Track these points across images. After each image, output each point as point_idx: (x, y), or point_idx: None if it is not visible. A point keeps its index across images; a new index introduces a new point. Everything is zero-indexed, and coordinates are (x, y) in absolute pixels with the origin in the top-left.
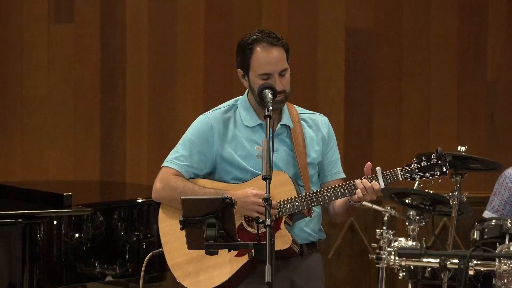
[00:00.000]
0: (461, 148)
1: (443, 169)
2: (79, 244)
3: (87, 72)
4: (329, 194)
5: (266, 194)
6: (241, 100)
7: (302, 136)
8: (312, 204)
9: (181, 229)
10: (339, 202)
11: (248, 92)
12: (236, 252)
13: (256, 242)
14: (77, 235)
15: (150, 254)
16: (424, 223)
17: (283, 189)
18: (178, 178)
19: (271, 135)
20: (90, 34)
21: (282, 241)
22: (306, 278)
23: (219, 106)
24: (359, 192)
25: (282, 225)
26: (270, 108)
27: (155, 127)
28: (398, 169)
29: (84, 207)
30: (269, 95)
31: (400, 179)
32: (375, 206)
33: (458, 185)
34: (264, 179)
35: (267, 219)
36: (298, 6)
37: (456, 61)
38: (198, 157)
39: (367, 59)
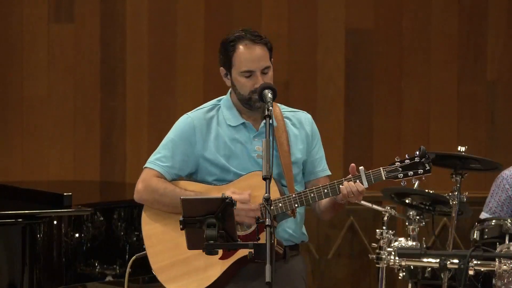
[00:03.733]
0: (461, 148)
1: (426, 167)
2: (79, 244)
3: (87, 72)
4: (312, 194)
5: (266, 194)
6: (224, 100)
7: (286, 134)
8: (296, 205)
9: (181, 229)
10: (324, 200)
11: (230, 92)
12: (220, 255)
13: (256, 242)
14: (77, 235)
15: (134, 257)
16: (424, 223)
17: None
18: (159, 180)
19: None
20: (90, 34)
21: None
22: (288, 281)
23: (202, 106)
24: (343, 190)
25: (263, 234)
26: (270, 108)
27: (155, 127)
28: (381, 168)
29: (84, 207)
30: (269, 95)
31: (384, 178)
32: (375, 206)
33: (458, 185)
34: (264, 179)
35: (267, 219)
36: (298, 6)
37: (456, 61)
38: (180, 158)
39: (367, 59)
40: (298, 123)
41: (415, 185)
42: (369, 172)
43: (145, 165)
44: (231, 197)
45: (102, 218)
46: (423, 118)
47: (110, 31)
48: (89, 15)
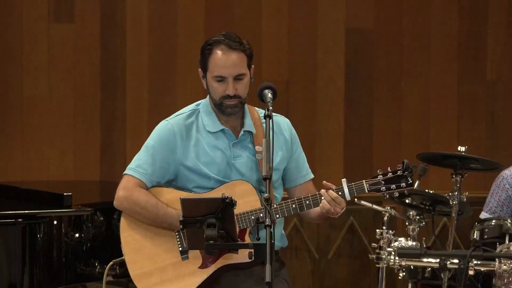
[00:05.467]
0: (461, 148)
1: (409, 181)
2: (79, 244)
3: (87, 72)
4: (293, 205)
5: (266, 194)
6: (203, 104)
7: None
8: (277, 216)
9: (181, 229)
10: (314, 212)
11: (209, 95)
12: (200, 264)
13: (256, 242)
14: (77, 235)
15: (112, 262)
16: (424, 223)
17: (247, 199)
18: (141, 191)
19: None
20: (90, 34)
21: (242, 253)
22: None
23: (180, 111)
24: (325, 203)
25: (247, 237)
26: (270, 108)
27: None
28: (364, 181)
29: (84, 207)
30: (269, 95)
31: (366, 191)
32: (375, 206)
33: (458, 185)
34: (264, 179)
35: (267, 219)
36: (298, 6)
37: (456, 61)
38: (160, 164)
39: (367, 59)
40: (276, 128)
41: (415, 185)
42: (352, 184)
43: (126, 172)
44: (231, 197)
45: (102, 218)
46: (423, 118)
47: (110, 31)
48: (89, 15)
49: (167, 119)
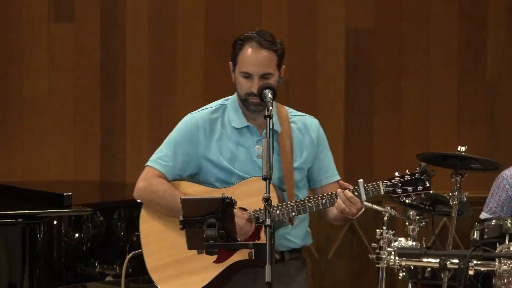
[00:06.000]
0: (461, 148)
1: (426, 184)
2: (79, 244)
3: (87, 72)
4: (310, 204)
5: (266, 194)
6: (231, 100)
7: (290, 140)
8: (293, 214)
9: (181, 229)
10: (333, 213)
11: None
12: (215, 259)
13: (256, 242)
14: (77, 235)
15: (131, 254)
16: (424, 223)
17: None
18: (160, 181)
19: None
20: (90, 34)
21: None
22: (287, 284)
23: (207, 106)
24: (339, 202)
25: (262, 234)
26: (270, 108)
27: (155, 127)
28: (380, 182)
29: (84, 207)
30: (269, 95)
31: (382, 193)
32: (375, 206)
33: (458, 185)
34: (264, 179)
35: (267, 219)
36: (298, 6)
37: (456, 61)
38: (182, 158)
39: (367, 59)
40: (303, 128)
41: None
42: (368, 186)
43: (147, 163)
44: (231, 197)
45: (102, 218)
46: (423, 118)
47: (110, 31)
48: (89, 15)
49: (192, 112)
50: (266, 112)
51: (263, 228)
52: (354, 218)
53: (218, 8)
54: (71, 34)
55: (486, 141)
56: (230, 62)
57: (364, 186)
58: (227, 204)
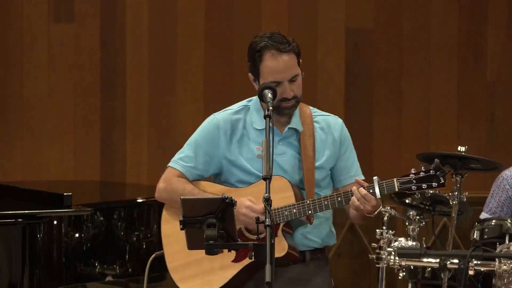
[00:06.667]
0: (461, 148)
1: (441, 181)
2: (79, 244)
3: (87, 72)
4: (326, 202)
5: (266, 194)
6: (254, 101)
7: (313, 139)
8: (310, 212)
9: (181, 229)
10: (351, 212)
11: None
12: (233, 258)
13: (256, 242)
14: (77, 235)
15: (154, 255)
16: (424, 223)
17: (282, 195)
18: (180, 180)
19: (271, 136)
20: (90, 34)
21: (278, 248)
22: (308, 284)
23: (231, 107)
24: (354, 200)
25: (280, 232)
26: (270, 108)
27: (155, 127)
28: (395, 179)
29: (84, 207)
30: (269, 95)
31: (397, 189)
32: None
33: (458, 185)
34: (264, 179)
35: (267, 219)
36: (298, 6)
37: (456, 61)
38: (203, 159)
39: (367, 59)
40: (326, 128)
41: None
42: (383, 182)
43: (169, 164)
44: (231, 197)
45: (102, 218)
46: (423, 118)
47: (110, 31)
48: (89, 15)
49: (215, 113)
50: (266, 112)
51: (280, 227)
52: (371, 216)
53: (218, 8)
54: (71, 34)
55: (486, 141)
56: (250, 73)
57: (379, 183)
58: (227, 204)
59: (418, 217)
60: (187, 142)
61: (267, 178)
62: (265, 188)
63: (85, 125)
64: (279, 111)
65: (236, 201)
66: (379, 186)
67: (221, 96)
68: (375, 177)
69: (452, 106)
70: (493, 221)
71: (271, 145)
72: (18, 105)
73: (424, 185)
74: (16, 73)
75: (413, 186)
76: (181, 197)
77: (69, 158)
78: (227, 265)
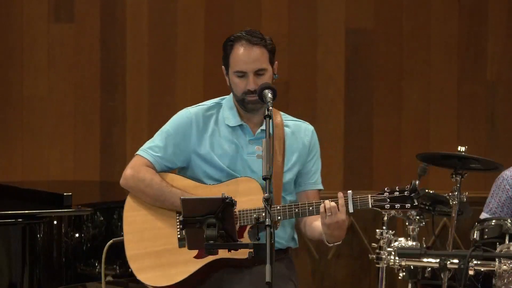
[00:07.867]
0: (461, 148)
1: (414, 203)
2: (79, 244)
3: (87, 72)
4: (296, 210)
5: (266, 194)
6: (227, 99)
7: (283, 143)
8: (279, 218)
9: (181, 229)
10: (316, 227)
11: (232, 92)
12: (195, 253)
13: (256, 242)
14: (77, 235)
15: (111, 241)
16: (424, 223)
17: (252, 197)
18: (148, 169)
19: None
20: (90, 34)
21: (243, 250)
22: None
23: (203, 103)
24: (321, 207)
25: (245, 234)
26: (270, 108)
27: (155, 127)
28: (369, 196)
29: (84, 207)
30: (269, 95)
31: (370, 206)
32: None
33: (458, 185)
34: (264, 179)
35: (267, 219)
36: (298, 6)
37: (456, 61)
38: (172, 150)
39: (367, 59)
40: (297, 132)
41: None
42: (357, 198)
43: (137, 152)
44: (231, 197)
45: (102, 218)
46: (423, 118)
47: (110, 31)
48: (89, 15)
49: (188, 107)
50: (266, 112)
51: (246, 229)
52: (336, 242)
53: (218, 8)
54: (71, 34)
55: (486, 141)
56: (223, 66)
57: (353, 198)
58: (227, 204)
59: (418, 217)
60: (158, 132)
61: (267, 178)
62: (265, 188)
63: (85, 125)
64: (243, 105)
65: (236, 201)
66: (352, 201)
67: (221, 96)
68: (349, 191)
69: (452, 106)
70: (493, 221)
71: (270, 145)
72: (18, 105)
73: (397, 205)
74: (16, 73)
75: (386, 205)
76: (181, 197)
77: (69, 158)
78: (189, 260)
